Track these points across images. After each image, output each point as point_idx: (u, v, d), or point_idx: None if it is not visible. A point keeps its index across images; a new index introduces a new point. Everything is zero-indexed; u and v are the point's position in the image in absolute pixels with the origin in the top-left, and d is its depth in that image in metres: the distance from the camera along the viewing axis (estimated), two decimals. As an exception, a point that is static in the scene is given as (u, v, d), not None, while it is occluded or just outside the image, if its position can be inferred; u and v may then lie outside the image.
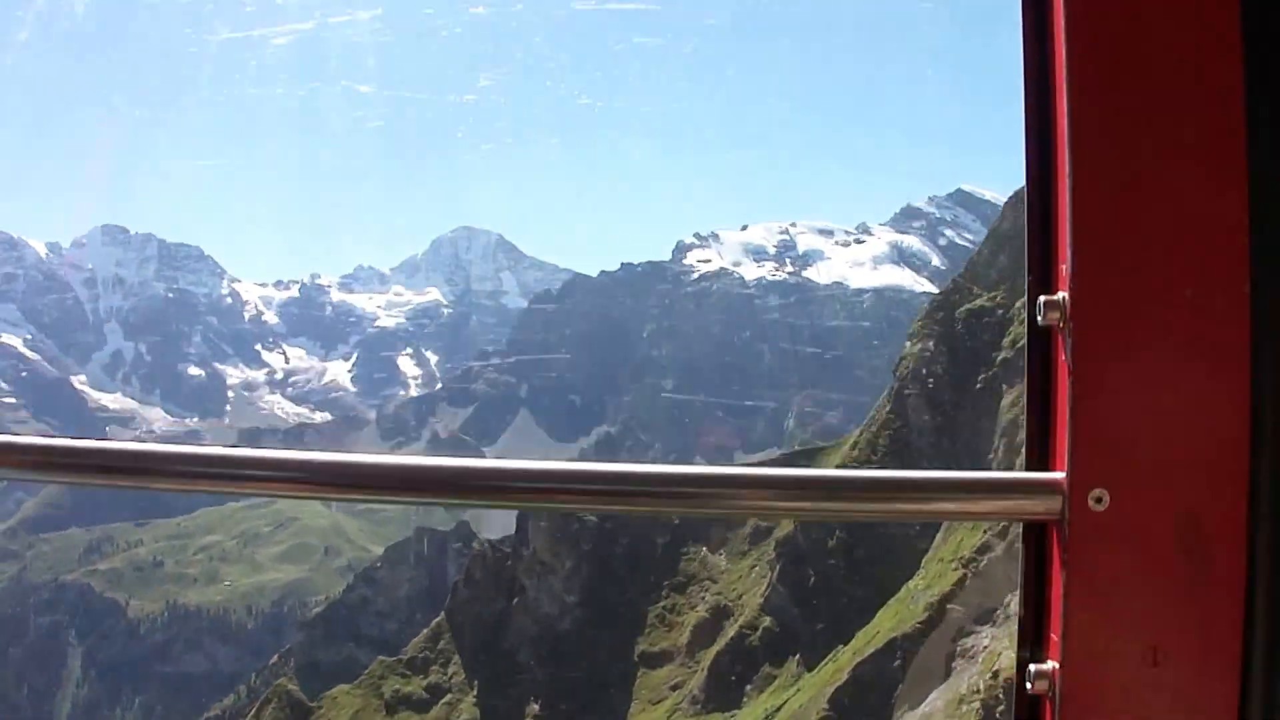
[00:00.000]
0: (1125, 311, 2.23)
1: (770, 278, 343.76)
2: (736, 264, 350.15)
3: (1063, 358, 2.33)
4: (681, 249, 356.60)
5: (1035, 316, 2.36)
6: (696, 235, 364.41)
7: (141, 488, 2.07)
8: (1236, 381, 2.18)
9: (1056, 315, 2.28)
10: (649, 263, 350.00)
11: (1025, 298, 2.40)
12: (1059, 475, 2.26)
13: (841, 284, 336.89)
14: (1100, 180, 2.24)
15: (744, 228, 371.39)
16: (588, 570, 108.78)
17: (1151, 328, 2.22)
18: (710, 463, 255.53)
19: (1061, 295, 2.28)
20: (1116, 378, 2.23)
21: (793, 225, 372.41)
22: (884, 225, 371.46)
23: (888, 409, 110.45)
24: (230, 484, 2.06)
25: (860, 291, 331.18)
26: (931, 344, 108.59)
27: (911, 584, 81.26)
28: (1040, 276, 2.40)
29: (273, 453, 1.97)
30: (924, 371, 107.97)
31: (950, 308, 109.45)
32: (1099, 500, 2.19)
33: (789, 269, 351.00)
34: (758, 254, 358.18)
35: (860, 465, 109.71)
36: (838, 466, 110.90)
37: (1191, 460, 2.18)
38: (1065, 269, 2.29)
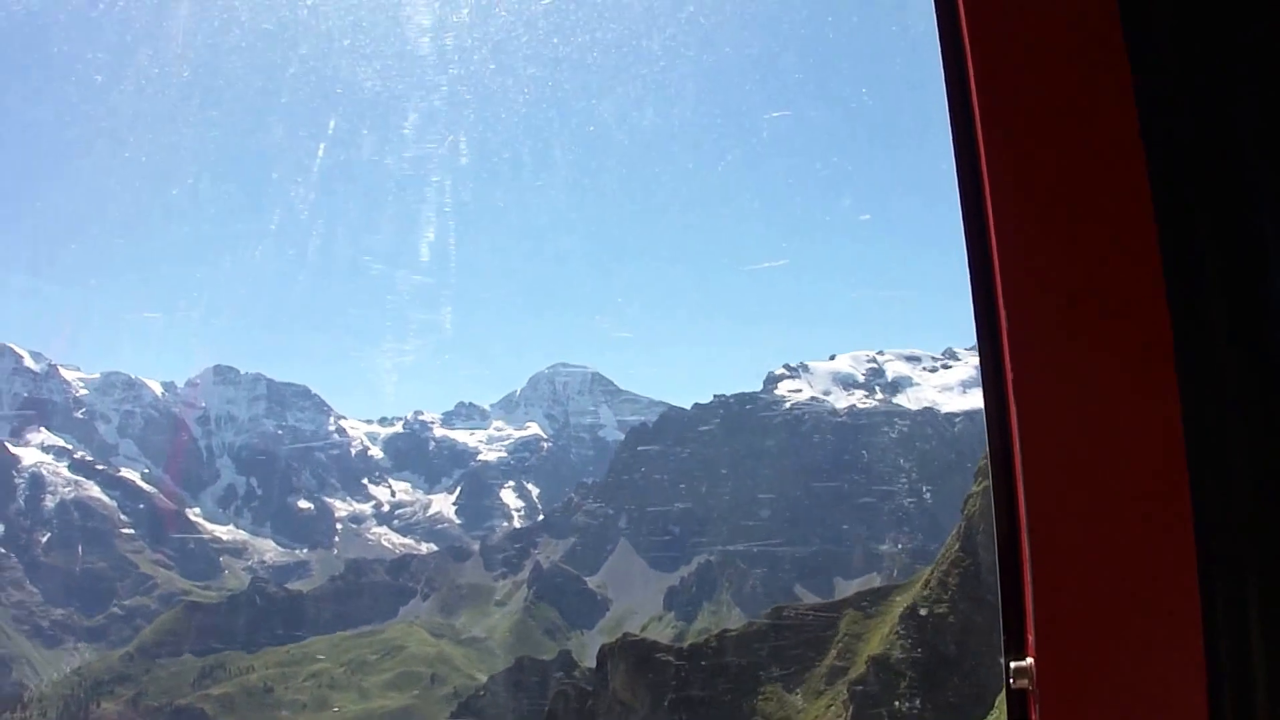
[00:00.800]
0: (1087, 679, 2.39)
1: (860, 405, 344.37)
2: (827, 393, 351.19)
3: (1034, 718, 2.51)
4: (772, 380, 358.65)
5: (1008, 680, 2.59)
6: (786, 366, 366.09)
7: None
8: None
9: (1025, 681, 2.50)
10: (740, 394, 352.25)
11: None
12: None
13: (932, 409, 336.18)
14: (1059, 561, 2.44)
15: (832, 357, 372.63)
16: (666, 710, 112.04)
17: (1113, 693, 2.38)
18: (811, 589, 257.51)
19: (1030, 661, 2.48)
20: None
21: (880, 353, 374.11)
22: (969, 349, 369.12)
23: (957, 546, 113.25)
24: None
25: (951, 416, 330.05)
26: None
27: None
28: (1012, 641, 2.60)
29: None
30: (991, 509, 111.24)
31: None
32: None
33: (879, 396, 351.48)
34: (847, 382, 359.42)
35: (932, 603, 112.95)
36: (909, 605, 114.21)
37: None
38: (1032, 638, 2.48)
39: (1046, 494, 2.42)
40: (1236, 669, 2.32)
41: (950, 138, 2.81)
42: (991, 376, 2.56)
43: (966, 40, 2.71)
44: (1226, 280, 2.57)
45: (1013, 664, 2.43)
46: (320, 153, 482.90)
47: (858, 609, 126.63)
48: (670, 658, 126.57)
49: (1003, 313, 2.54)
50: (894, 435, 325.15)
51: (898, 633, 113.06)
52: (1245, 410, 2.48)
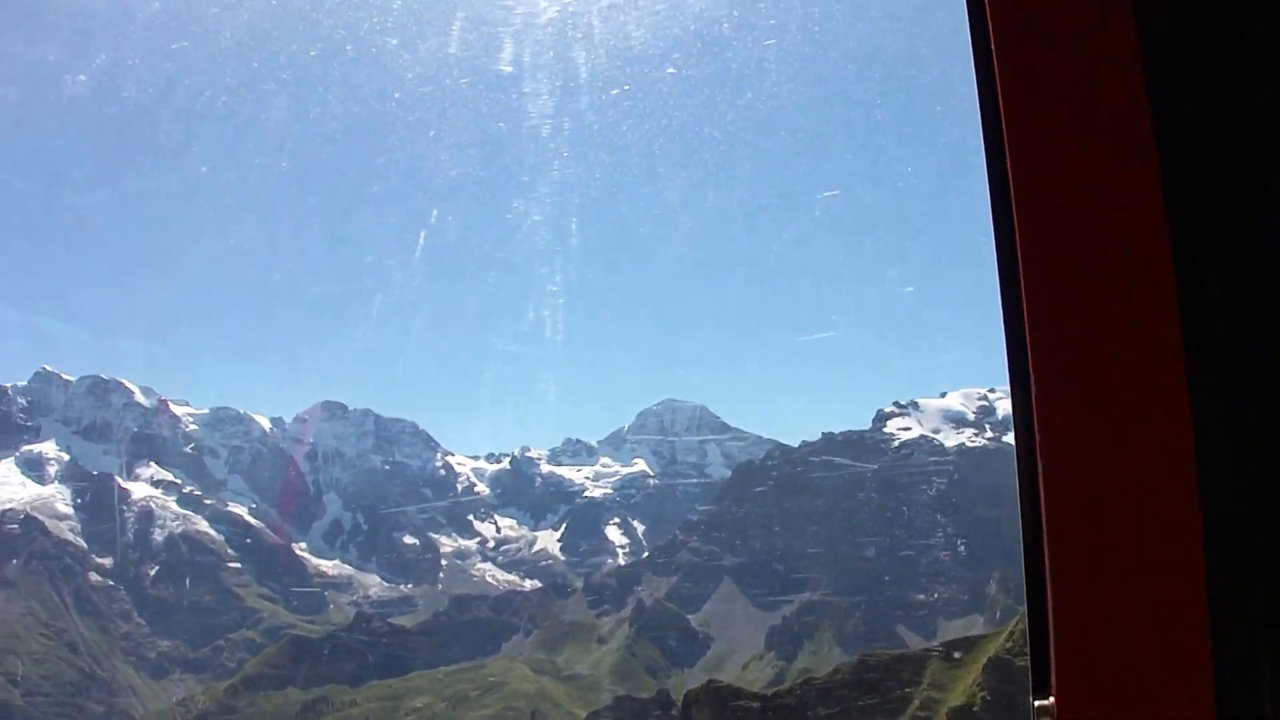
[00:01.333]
0: (1105, 718, 2.40)
1: (970, 444, 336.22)
2: (936, 431, 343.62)
3: None
4: (881, 417, 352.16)
5: (1034, 718, 2.55)
6: (896, 403, 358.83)
7: None
8: None
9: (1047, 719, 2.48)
10: (849, 432, 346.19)
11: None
12: None
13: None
14: (1079, 599, 2.44)
15: (943, 394, 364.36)
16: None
17: None
18: (913, 629, 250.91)
19: (1051, 700, 2.48)
20: None
21: (991, 391, 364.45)
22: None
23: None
24: None
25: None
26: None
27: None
28: (1038, 679, 2.58)
29: None
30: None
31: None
32: None
33: (988, 434, 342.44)
34: (957, 420, 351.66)
35: (1014, 657, 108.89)
36: (989, 660, 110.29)
37: None
38: (1055, 678, 2.48)
39: (1068, 532, 2.45)
40: (1247, 716, 2.35)
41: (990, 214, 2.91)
42: (1022, 419, 2.60)
43: (1001, 99, 2.79)
44: (1235, 292, 2.58)
45: (1036, 703, 2.45)
46: (421, 239, 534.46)
47: (942, 659, 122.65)
48: (753, 704, 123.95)
49: (1031, 361, 2.58)
50: (1003, 474, 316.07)
51: (979, 684, 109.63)
52: (1264, 452, 2.47)
